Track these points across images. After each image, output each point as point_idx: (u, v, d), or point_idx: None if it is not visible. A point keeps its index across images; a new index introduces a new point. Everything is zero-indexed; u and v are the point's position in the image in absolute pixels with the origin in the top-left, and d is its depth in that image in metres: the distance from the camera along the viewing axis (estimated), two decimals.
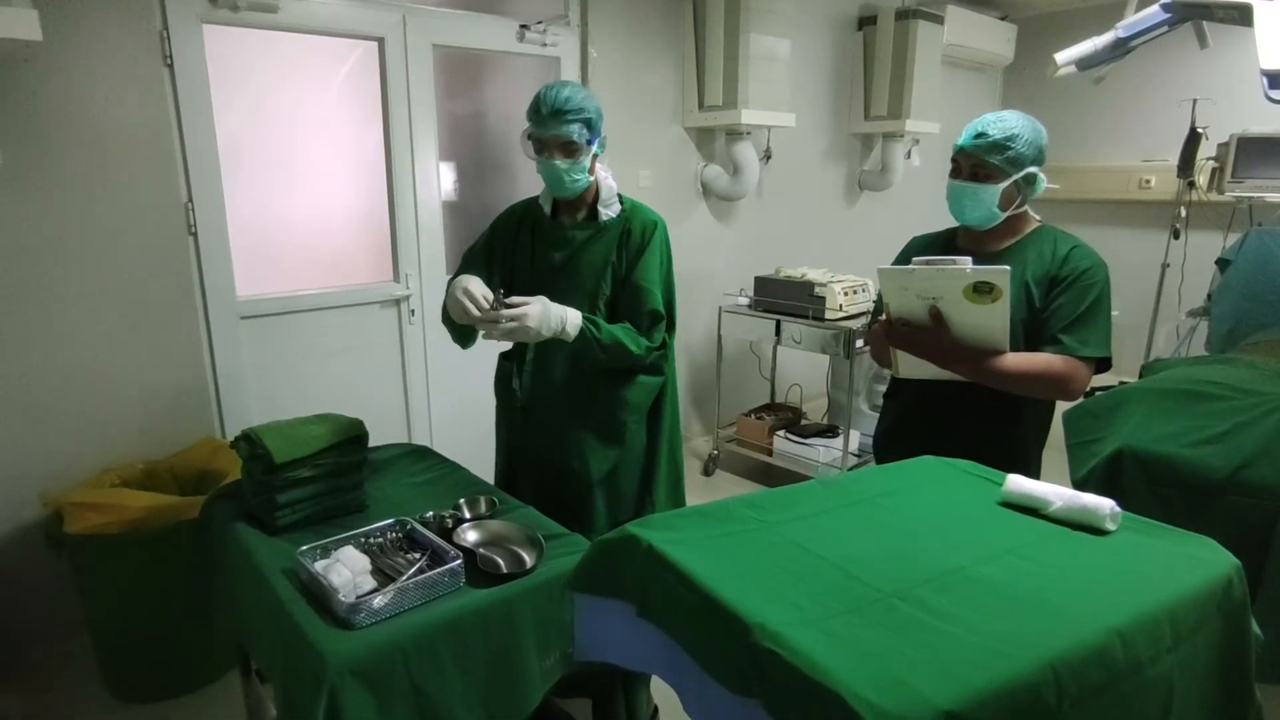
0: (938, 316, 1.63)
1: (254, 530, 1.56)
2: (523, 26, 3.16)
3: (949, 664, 0.85)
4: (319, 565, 1.34)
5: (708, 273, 4.04)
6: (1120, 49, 2.80)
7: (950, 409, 1.78)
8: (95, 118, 2.26)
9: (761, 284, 3.64)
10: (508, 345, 1.98)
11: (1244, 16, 2.35)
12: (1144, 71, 4.65)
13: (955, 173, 1.72)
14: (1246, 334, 2.75)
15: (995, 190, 1.66)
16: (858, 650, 0.87)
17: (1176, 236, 4.07)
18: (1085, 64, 2.90)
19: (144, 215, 2.39)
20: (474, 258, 1.95)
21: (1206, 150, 3.98)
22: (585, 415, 1.87)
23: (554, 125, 1.72)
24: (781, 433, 3.75)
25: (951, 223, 1.84)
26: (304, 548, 1.38)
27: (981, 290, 1.55)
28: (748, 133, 3.81)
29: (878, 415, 2.08)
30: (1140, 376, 2.45)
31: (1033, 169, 1.67)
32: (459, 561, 1.35)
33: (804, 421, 3.94)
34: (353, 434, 1.65)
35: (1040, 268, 1.70)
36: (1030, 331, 1.70)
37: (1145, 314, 4.26)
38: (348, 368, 2.92)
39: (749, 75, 3.55)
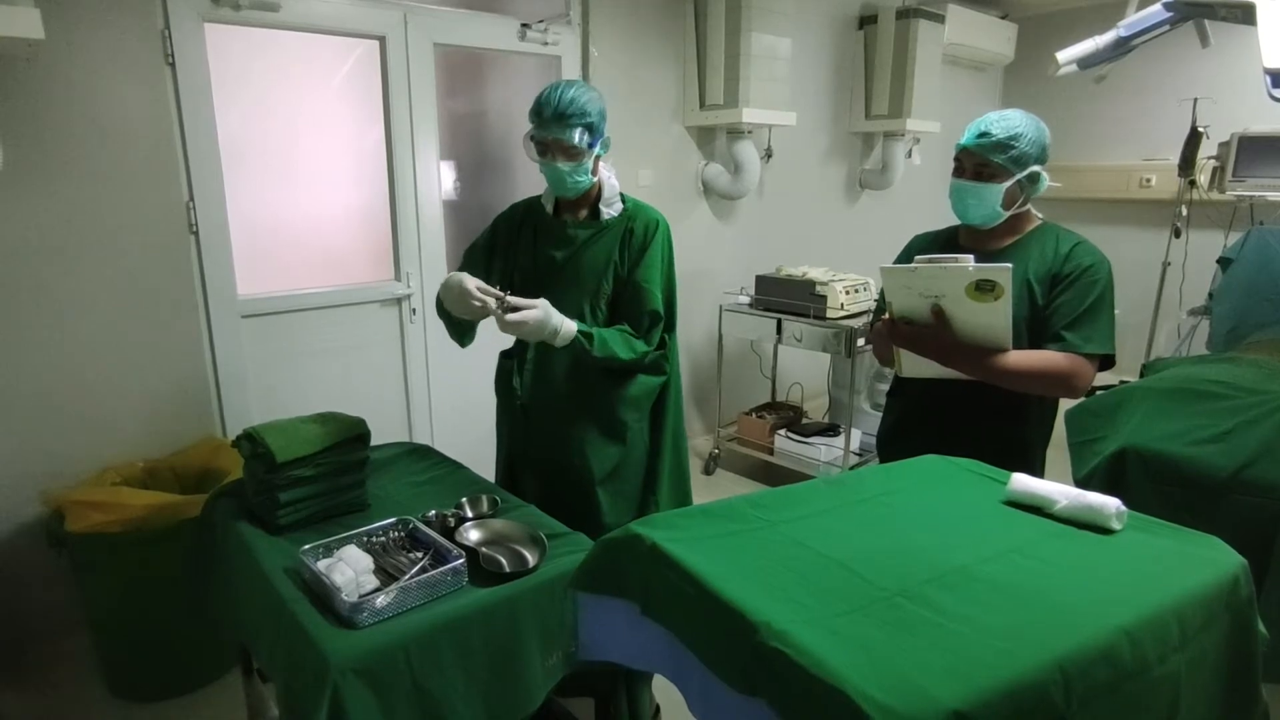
0: (940, 315, 1.63)
1: (255, 529, 1.56)
2: (524, 25, 3.15)
3: (956, 663, 0.85)
4: (321, 564, 1.34)
5: (708, 272, 4.04)
6: (1121, 48, 2.80)
7: (953, 407, 1.78)
8: (97, 116, 2.26)
9: (762, 283, 3.64)
10: (509, 343, 1.98)
11: (1246, 15, 2.35)
12: (1145, 70, 4.65)
13: (958, 172, 1.72)
14: (1248, 333, 2.75)
15: (998, 189, 1.66)
16: (864, 649, 0.87)
17: (1178, 235, 4.07)
18: (1086, 63, 2.89)
19: (145, 214, 2.38)
20: (475, 255, 1.95)
21: (1207, 149, 3.97)
22: (586, 413, 1.86)
23: (556, 129, 1.71)
24: (782, 432, 3.75)
25: (953, 221, 1.84)
26: (306, 547, 1.38)
27: (984, 288, 1.54)
28: (749, 131, 3.81)
29: (879, 414, 2.08)
30: (1141, 376, 2.44)
31: (1036, 168, 1.66)
32: (461, 561, 1.35)
33: (805, 420, 3.94)
34: (354, 433, 1.65)
35: (1042, 265, 1.70)
36: (1033, 329, 1.70)
37: (1146, 313, 4.26)
38: (349, 367, 2.92)
39: (750, 74, 3.55)
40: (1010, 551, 1.11)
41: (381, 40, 2.81)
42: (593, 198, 1.86)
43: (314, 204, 2.88)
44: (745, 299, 3.74)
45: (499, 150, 3.31)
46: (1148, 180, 4.96)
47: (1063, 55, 2.91)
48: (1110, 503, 1.18)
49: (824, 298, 3.34)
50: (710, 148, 3.96)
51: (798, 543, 1.12)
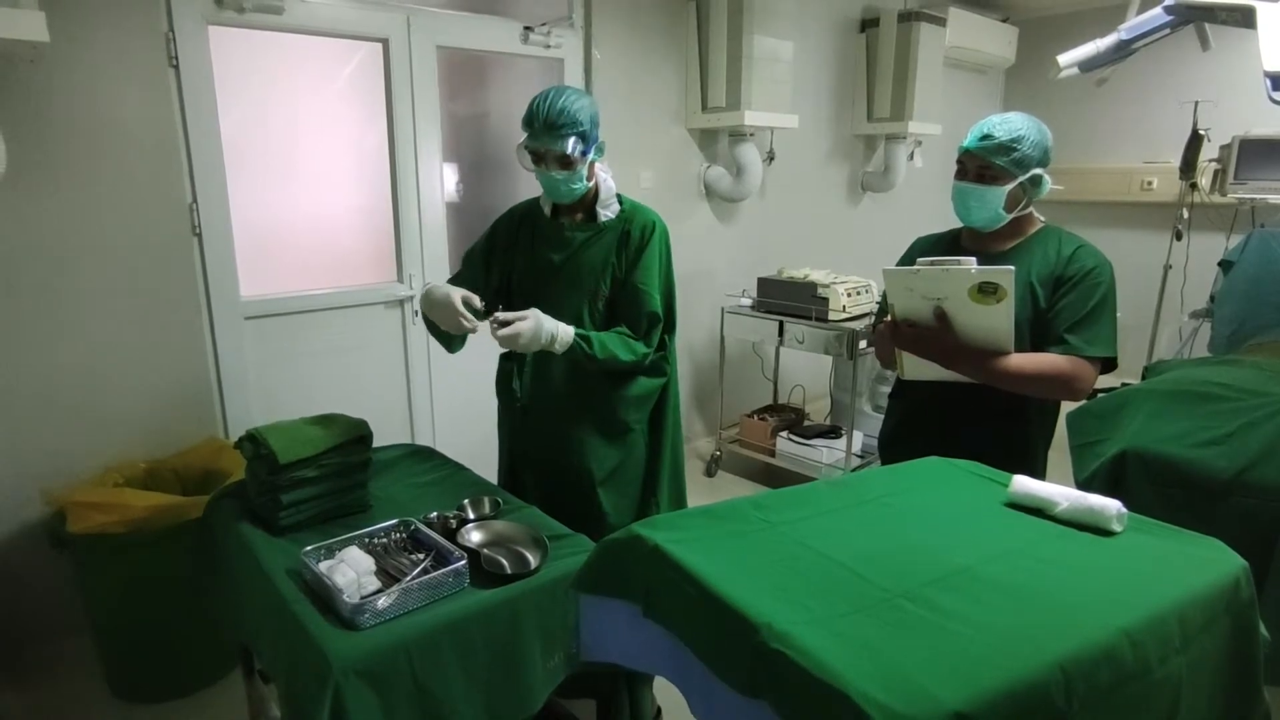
0: (943, 317, 1.63)
1: (258, 530, 1.56)
2: (526, 28, 3.16)
3: (958, 664, 0.85)
4: (323, 565, 1.34)
5: (710, 273, 4.04)
6: (1122, 51, 2.80)
7: (955, 410, 1.78)
8: (101, 118, 2.26)
9: (764, 285, 3.64)
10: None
11: (1246, 18, 2.35)
12: (1146, 73, 4.66)
13: (961, 174, 1.72)
14: (1250, 335, 2.75)
15: (1001, 192, 1.66)
16: (866, 650, 0.87)
17: (1179, 238, 4.07)
18: (1087, 66, 2.90)
19: (148, 216, 2.39)
20: (473, 260, 1.96)
21: (1209, 152, 3.98)
22: (586, 415, 1.87)
23: (548, 139, 1.70)
24: (784, 434, 3.75)
25: (955, 223, 1.84)
26: (308, 548, 1.38)
27: (986, 291, 1.55)
28: (751, 134, 3.82)
29: (881, 416, 2.08)
30: (1143, 378, 2.44)
31: (1038, 170, 1.66)
32: (463, 562, 1.35)
33: (806, 422, 3.94)
34: (356, 434, 1.65)
35: (1045, 268, 1.70)
36: (1035, 332, 1.70)
37: (1148, 316, 4.26)
38: (351, 368, 2.92)
39: (752, 77, 3.55)
40: (1012, 553, 1.11)
41: (384, 42, 2.82)
42: (589, 200, 1.86)
43: (316, 206, 2.89)
44: (747, 301, 3.74)
45: (501, 152, 3.32)
46: (1149, 183, 4.96)
47: (1064, 58, 2.91)
48: (1111, 504, 1.19)
49: (826, 300, 3.34)
50: (712, 150, 3.96)
51: (800, 544, 1.12)
